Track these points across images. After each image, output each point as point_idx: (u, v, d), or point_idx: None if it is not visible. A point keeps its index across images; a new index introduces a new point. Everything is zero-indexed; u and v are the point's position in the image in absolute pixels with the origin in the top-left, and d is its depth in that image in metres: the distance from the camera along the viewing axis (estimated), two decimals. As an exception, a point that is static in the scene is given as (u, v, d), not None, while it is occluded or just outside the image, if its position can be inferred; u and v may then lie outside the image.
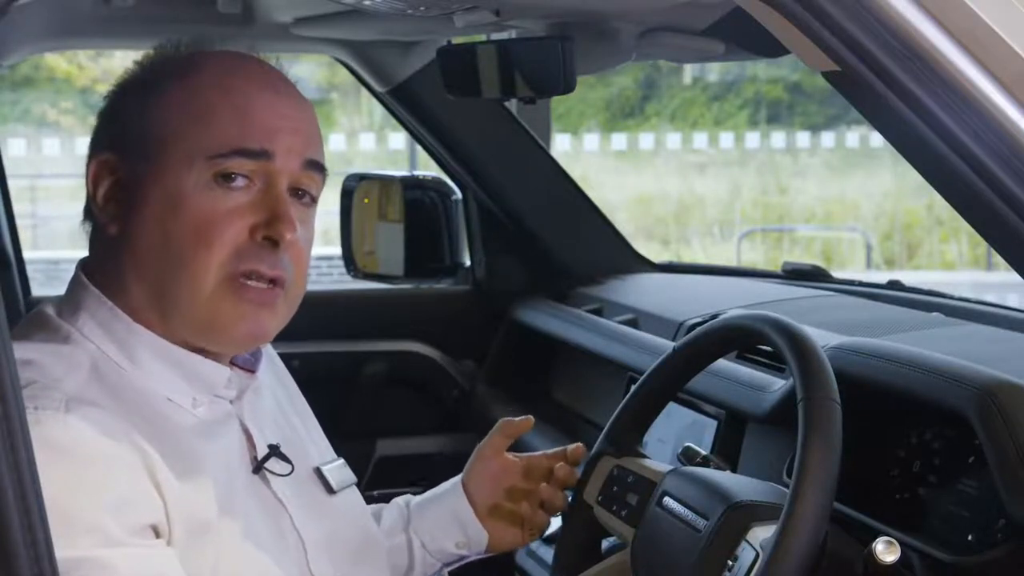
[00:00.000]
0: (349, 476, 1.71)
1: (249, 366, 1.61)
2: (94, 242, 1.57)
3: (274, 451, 1.58)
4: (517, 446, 1.94)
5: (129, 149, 1.52)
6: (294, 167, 1.52)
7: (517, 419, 1.90)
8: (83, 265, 1.57)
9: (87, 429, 1.39)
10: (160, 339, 1.52)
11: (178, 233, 1.48)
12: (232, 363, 1.59)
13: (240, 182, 1.49)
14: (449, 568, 1.89)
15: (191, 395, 1.53)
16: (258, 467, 1.56)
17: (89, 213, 1.56)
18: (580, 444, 1.90)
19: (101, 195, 1.53)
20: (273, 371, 1.73)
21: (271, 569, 1.51)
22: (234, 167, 1.49)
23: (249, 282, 1.49)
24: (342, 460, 1.73)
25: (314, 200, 1.57)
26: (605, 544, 1.89)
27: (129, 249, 1.51)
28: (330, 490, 1.66)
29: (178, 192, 1.48)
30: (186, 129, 1.50)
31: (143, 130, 1.52)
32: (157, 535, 1.41)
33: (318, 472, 1.66)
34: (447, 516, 1.85)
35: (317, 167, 1.56)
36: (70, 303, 1.54)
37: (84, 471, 1.38)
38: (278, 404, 1.69)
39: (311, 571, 1.57)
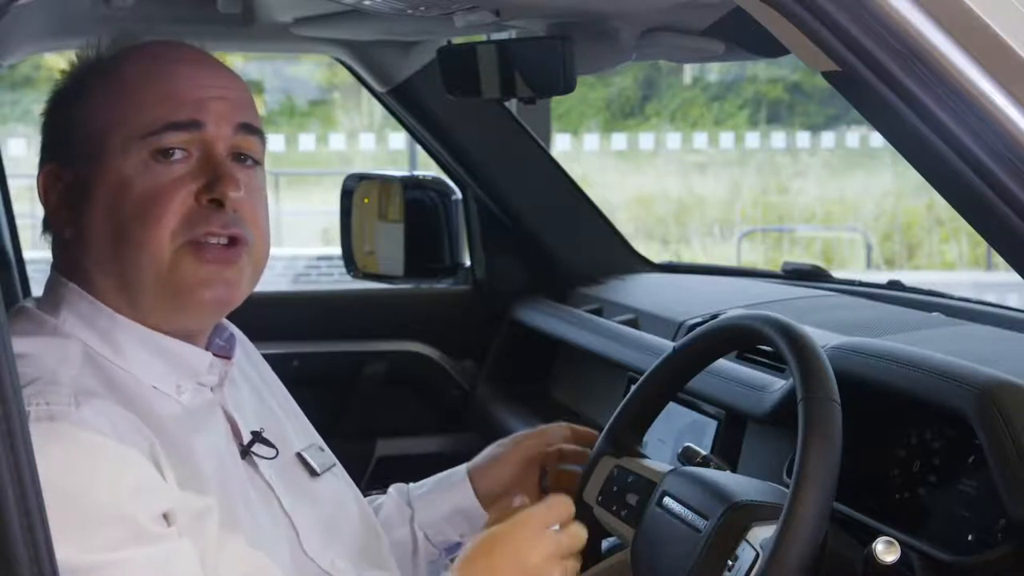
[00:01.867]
0: (329, 458, 1.73)
1: (225, 352, 1.63)
2: (56, 250, 1.60)
3: (257, 436, 1.60)
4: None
5: (70, 155, 1.56)
6: (227, 133, 1.55)
7: (550, 438, 1.90)
8: (55, 267, 1.60)
9: (99, 422, 1.41)
10: (141, 327, 1.54)
11: (127, 216, 1.51)
12: (207, 350, 1.60)
13: (178, 155, 1.52)
14: (450, 555, 1.90)
15: (175, 382, 1.54)
16: (245, 452, 1.58)
17: (47, 223, 1.59)
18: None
19: (53, 203, 1.57)
20: (247, 358, 1.75)
21: (271, 553, 1.52)
22: (168, 142, 1.51)
23: (208, 242, 1.51)
24: (320, 442, 1.75)
25: (257, 162, 1.59)
26: (605, 544, 1.89)
27: (87, 247, 1.54)
28: (313, 473, 1.68)
29: (120, 179, 1.51)
30: (118, 121, 1.52)
31: (79, 133, 1.55)
32: (169, 523, 1.43)
33: (299, 456, 1.68)
34: (454, 510, 1.87)
35: (251, 130, 1.58)
36: (50, 300, 1.56)
37: (105, 464, 1.39)
38: (255, 391, 1.71)
39: (305, 553, 1.59)
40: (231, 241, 1.53)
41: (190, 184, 1.52)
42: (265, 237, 1.58)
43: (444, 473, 1.92)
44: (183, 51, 1.59)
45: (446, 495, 1.88)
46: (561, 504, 1.59)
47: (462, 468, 1.90)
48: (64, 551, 1.21)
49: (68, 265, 1.57)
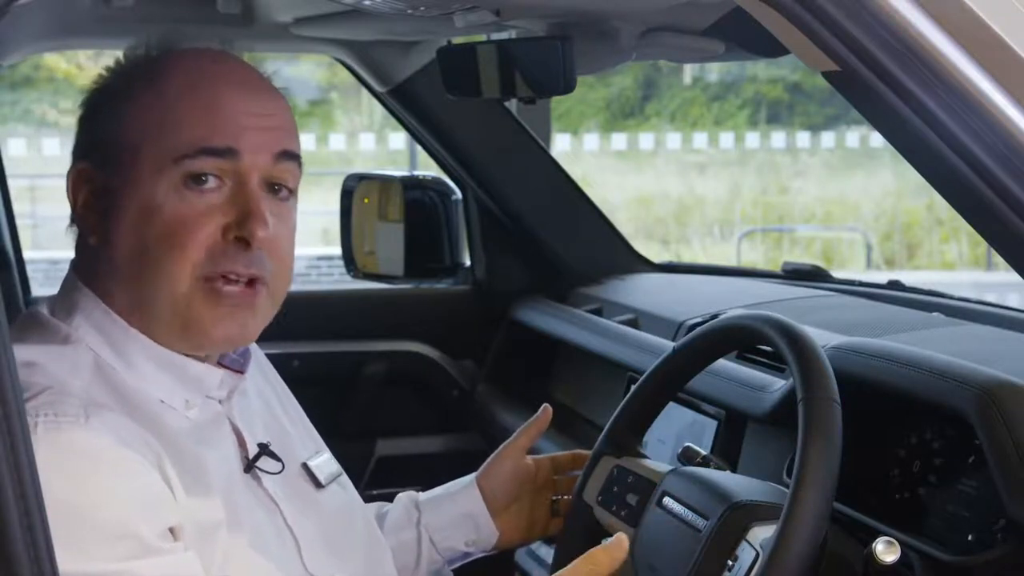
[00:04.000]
0: (336, 468, 1.72)
1: (237, 366, 1.61)
2: (79, 248, 1.58)
3: (264, 450, 1.59)
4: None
5: (103, 158, 1.53)
6: (265, 162, 1.51)
7: (535, 418, 1.91)
8: (74, 267, 1.58)
9: (108, 435, 1.40)
10: (151, 342, 1.52)
11: (152, 239, 1.48)
12: (220, 364, 1.59)
13: (211, 183, 1.49)
14: (453, 566, 1.89)
15: (183, 397, 1.53)
16: (249, 467, 1.57)
17: (73, 221, 1.57)
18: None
19: (80, 204, 1.54)
20: (259, 368, 1.73)
21: (275, 567, 1.52)
22: (201, 167, 1.48)
23: (226, 287, 1.49)
24: (328, 453, 1.74)
25: (291, 192, 1.56)
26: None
27: (109, 257, 1.51)
28: (318, 484, 1.66)
29: (150, 199, 1.48)
30: (155, 135, 1.49)
31: (115, 138, 1.52)
32: (175, 538, 1.42)
33: (305, 467, 1.66)
34: (461, 515, 1.86)
35: (290, 157, 1.54)
36: (64, 304, 1.54)
37: (112, 476, 1.38)
38: (265, 402, 1.69)
39: (306, 567, 1.57)
40: (250, 282, 1.51)
41: (219, 217, 1.49)
42: (287, 270, 1.56)
43: (452, 481, 1.91)
44: (230, 68, 1.55)
45: (454, 499, 1.88)
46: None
47: (470, 476, 1.90)
48: (68, 562, 1.21)
49: (87, 269, 1.55)
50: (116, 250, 1.50)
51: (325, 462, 1.71)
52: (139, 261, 1.49)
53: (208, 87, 1.52)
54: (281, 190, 1.54)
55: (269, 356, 1.81)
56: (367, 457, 3.04)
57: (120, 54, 1.59)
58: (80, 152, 1.56)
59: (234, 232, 1.49)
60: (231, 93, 1.52)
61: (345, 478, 1.74)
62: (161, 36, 1.58)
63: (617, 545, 1.59)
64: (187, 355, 1.54)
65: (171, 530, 1.41)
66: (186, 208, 1.48)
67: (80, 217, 1.55)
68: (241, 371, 1.61)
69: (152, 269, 1.48)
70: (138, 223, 1.49)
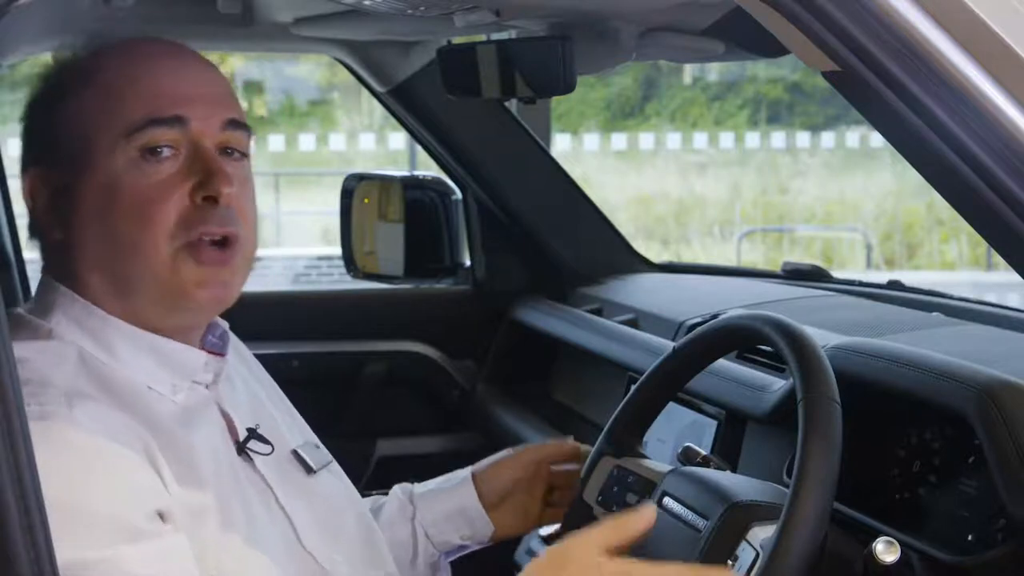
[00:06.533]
0: (325, 456, 1.73)
1: (218, 349, 1.62)
2: (44, 253, 1.59)
3: (253, 433, 1.60)
4: (518, 444, 1.94)
5: (55, 159, 1.54)
6: (214, 129, 1.54)
7: (558, 445, 1.91)
8: (45, 270, 1.59)
9: (92, 423, 1.41)
10: (134, 328, 1.53)
11: (119, 218, 1.49)
12: (202, 347, 1.60)
13: (166, 152, 1.51)
14: (449, 559, 1.90)
15: (170, 382, 1.54)
16: (241, 448, 1.58)
17: (34, 228, 1.59)
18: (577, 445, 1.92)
19: (40, 208, 1.56)
20: (243, 360, 1.75)
21: (269, 549, 1.52)
22: (153, 138, 1.50)
23: (205, 247, 1.51)
24: (316, 440, 1.75)
25: (244, 155, 1.58)
26: (605, 544, 1.89)
27: (77, 250, 1.53)
28: (309, 470, 1.67)
29: (110, 180, 1.50)
30: (102, 122, 1.51)
31: (62, 137, 1.54)
32: (165, 521, 1.43)
33: (295, 453, 1.67)
34: (455, 510, 1.87)
35: (238, 125, 1.56)
36: (42, 304, 1.56)
37: (97, 464, 1.39)
38: (251, 392, 1.71)
39: (304, 547, 1.59)
40: (225, 240, 1.52)
41: (182, 183, 1.50)
42: (254, 231, 1.58)
43: (448, 474, 1.92)
44: (162, 47, 1.58)
45: (448, 494, 1.88)
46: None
47: (466, 470, 1.90)
48: (58, 551, 1.21)
49: (58, 268, 1.56)
50: (84, 240, 1.52)
51: (314, 448, 1.72)
52: (111, 243, 1.50)
53: (145, 68, 1.54)
54: (234, 152, 1.56)
55: (269, 356, 1.82)
56: (367, 457, 3.04)
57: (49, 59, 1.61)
58: (31, 160, 1.58)
59: (201, 193, 1.50)
60: (170, 68, 1.55)
61: (336, 466, 1.75)
62: (88, 38, 1.60)
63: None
64: (170, 337, 1.54)
65: (160, 514, 1.42)
66: (147, 180, 1.50)
67: (42, 220, 1.56)
68: (222, 353, 1.62)
69: (127, 248, 1.50)
70: (102, 207, 1.50)
